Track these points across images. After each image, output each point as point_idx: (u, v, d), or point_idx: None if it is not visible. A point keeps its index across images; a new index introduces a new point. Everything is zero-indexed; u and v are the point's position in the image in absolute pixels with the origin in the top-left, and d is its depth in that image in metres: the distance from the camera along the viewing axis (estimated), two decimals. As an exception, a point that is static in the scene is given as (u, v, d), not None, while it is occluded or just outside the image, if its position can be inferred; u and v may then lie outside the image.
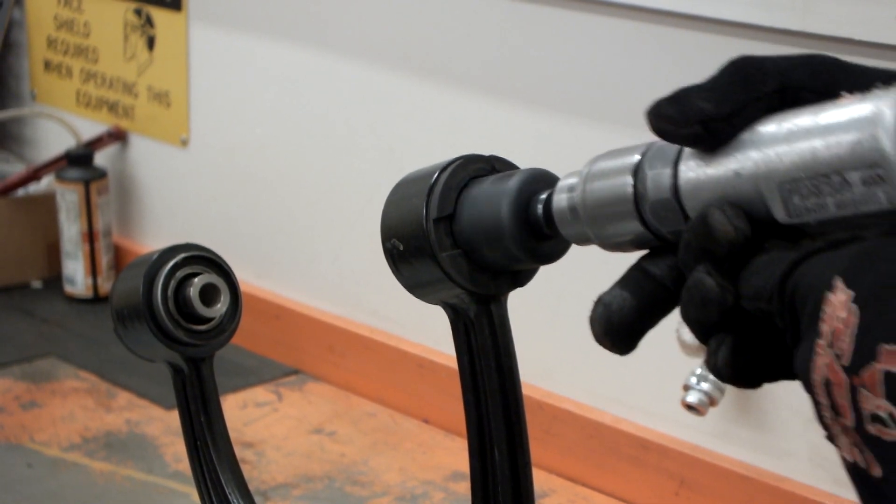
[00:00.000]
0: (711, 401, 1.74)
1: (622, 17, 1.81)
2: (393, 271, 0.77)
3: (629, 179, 0.64)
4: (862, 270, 0.53)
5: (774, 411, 1.77)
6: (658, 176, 0.62)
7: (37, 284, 2.62)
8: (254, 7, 2.31)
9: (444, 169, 0.74)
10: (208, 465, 0.95)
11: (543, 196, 0.70)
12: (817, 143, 0.55)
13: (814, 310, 0.54)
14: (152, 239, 2.57)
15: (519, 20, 1.94)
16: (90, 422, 2.11)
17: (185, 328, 0.93)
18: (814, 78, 0.60)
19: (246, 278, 2.33)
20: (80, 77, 2.66)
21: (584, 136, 1.87)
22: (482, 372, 0.76)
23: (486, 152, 0.77)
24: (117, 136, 2.58)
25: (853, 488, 0.53)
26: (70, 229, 2.53)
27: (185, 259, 0.94)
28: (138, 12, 2.51)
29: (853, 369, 0.51)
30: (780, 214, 0.57)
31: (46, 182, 2.61)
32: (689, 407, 1.74)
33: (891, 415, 0.50)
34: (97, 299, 2.54)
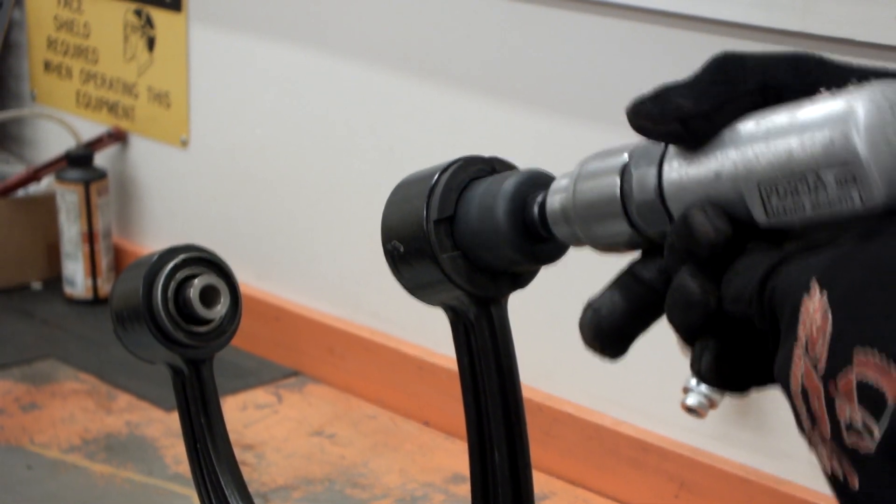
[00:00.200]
0: (711, 403, 1.74)
1: (622, 18, 1.81)
2: (393, 273, 0.77)
3: (616, 180, 0.63)
4: (836, 274, 0.51)
5: (774, 413, 1.77)
6: (643, 176, 0.62)
7: (36, 286, 2.62)
8: (254, 8, 2.31)
9: (444, 170, 0.74)
10: (208, 467, 0.95)
11: (539, 197, 0.70)
12: (793, 142, 0.55)
13: (792, 314, 0.52)
14: (152, 240, 2.57)
15: (519, 20, 1.94)
16: (90, 423, 2.11)
17: (185, 330, 0.93)
18: (796, 76, 0.59)
19: (246, 280, 2.33)
20: (80, 78, 2.66)
21: (583, 137, 1.87)
22: (482, 374, 0.76)
23: (486, 153, 0.77)
24: (117, 137, 2.58)
25: (835, 498, 0.52)
26: (70, 230, 2.53)
27: (185, 260, 0.94)
28: (138, 13, 2.51)
29: (828, 377, 0.50)
30: (759, 215, 0.57)
31: (46, 183, 2.61)
32: (689, 409, 1.74)
33: (866, 425, 0.49)
34: (97, 301, 2.54)
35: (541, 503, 1.89)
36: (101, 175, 2.53)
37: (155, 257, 0.94)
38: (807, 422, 0.52)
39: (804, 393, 0.51)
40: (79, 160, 2.52)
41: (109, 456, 2.01)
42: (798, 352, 0.52)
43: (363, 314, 2.23)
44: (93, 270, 2.54)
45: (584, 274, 1.73)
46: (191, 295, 0.93)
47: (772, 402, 1.77)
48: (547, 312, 1.94)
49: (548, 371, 1.98)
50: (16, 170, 2.69)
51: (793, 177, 0.55)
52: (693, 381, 2.09)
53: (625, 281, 0.63)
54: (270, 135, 2.32)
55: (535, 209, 0.70)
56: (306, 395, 2.23)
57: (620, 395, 1.92)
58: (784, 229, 0.57)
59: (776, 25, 1.64)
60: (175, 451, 2.01)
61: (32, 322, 2.47)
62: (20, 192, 2.61)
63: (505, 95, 1.97)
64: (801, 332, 0.52)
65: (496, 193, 0.71)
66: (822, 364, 0.50)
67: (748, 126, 0.57)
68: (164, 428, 2.09)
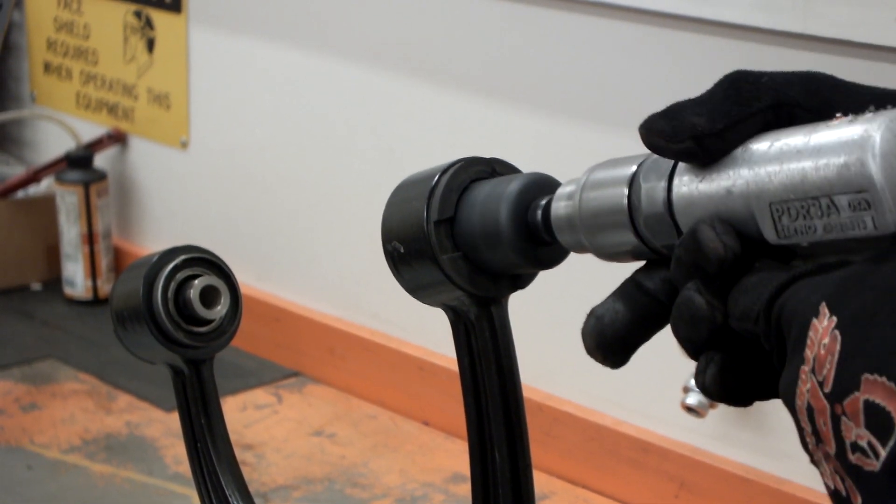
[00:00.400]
0: (711, 403, 1.74)
1: (622, 19, 1.81)
2: (394, 273, 0.77)
3: (624, 191, 0.63)
4: (846, 297, 0.51)
5: (774, 413, 1.77)
6: (652, 189, 0.62)
7: (36, 286, 2.62)
8: (254, 9, 2.31)
9: (444, 171, 0.74)
10: (208, 467, 0.95)
11: (543, 202, 0.70)
12: (807, 165, 0.55)
13: (799, 335, 0.53)
14: (152, 241, 2.57)
15: (519, 21, 1.94)
16: (90, 424, 2.11)
17: (185, 330, 0.93)
18: (809, 96, 0.59)
19: (246, 280, 2.33)
20: (79, 79, 2.66)
21: (583, 138, 1.87)
22: (483, 374, 0.76)
23: (486, 153, 0.77)
24: (117, 138, 2.58)
25: None
26: (70, 231, 2.53)
27: (185, 261, 0.94)
28: (138, 14, 2.51)
29: (835, 397, 0.50)
30: (769, 234, 0.57)
31: (46, 184, 2.61)
32: (689, 409, 1.74)
33: (871, 445, 0.49)
34: (97, 301, 2.54)
35: (541, 503, 1.89)
36: (100, 176, 2.54)
37: (155, 258, 0.94)
38: (811, 438, 0.52)
39: (809, 411, 0.52)
40: (79, 161, 2.52)
41: (109, 456, 2.01)
42: (804, 372, 0.52)
43: (363, 315, 2.23)
44: (93, 271, 2.54)
45: (584, 275, 1.73)
46: (191, 295, 0.93)
47: (772, 402, 1.76)
48: (547, 313, 1.94)
49: (548, 371, 1.98)
50: (16, 171, 2.69)
51: (806, 199, 0.55)
52: (693, 382, 2.09)
53: (628, 290, 0.63)
54: (270, 135, 2.32)
55: (539, 213, 0.70)
56: (306, 396, 2.23)
57: (621, 396, 1.92)
58: (792, 248, 0.57)
59: (777, 27, 1.64)
60: (175, 451, 2.01)
61: (32, 323, 2.47)
62: (20, 194, 2.61)
63: (505, 95, 1.97)
64: (809, 353, 0.52)
65: (500, 196, 0.71)
66: (829, 386, 0.51)
67: (762, 145, 0.57)
68: (164, 428, 2.09)
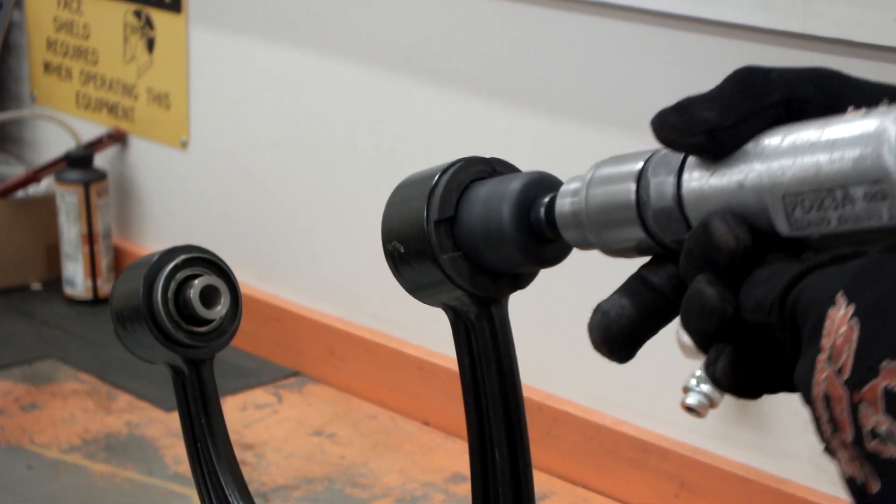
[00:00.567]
0: (711, 403, 1.74)
1: (622, 19, 1.81)
2: (394, 273, 0.77)
3: (632, 186, 0.63)
4: (863, 286, 0.52)
5: (774, 413, 1.77)
6: (661, 184, 0.62)
7: (36, 286, 2.62)
8: (254, 9, 2.31)
9: (444, 171, 0.74)
10: (208, 467, 0.95)
11: (546, 200, 0.70)
12: (821, 158, 0.55)
13: (815, 324, 0.53)
14: (152, 241, 2.57)
15: (519, 21, 1.94)
16: (90, 424, 2.11)
17: (185, 330, 0.93)
18: (819, 91, 0.60)
19: (246, 280, 2.33)
20: (79, 79, 2.66)
21: (583, 138, 1.87)
22: (483, 374, 0.76)
23: (486, 153, 0.77)
24: (117, 138, 2.58)
25: (851, 502, 0.53)
26: (70, 231, 2.53)
27: (185, 261, 0.94)
28: (138, 14, 2.51)
29: (853, 385, 0.51)
30: (782, 227, 0.57)
31: (46, 184, 2.61)
32: (689, 409, 1.74)
33: (890, 431, 0.50)
34: (97, 301, 2.54)
35: (541, 503, 1.89)
36: (100, 176, 2.54)
37: (155, 258, 0.94)
38: (827, 427, 0.53)
39: (826, 399, 0.52)
40: (78, 161, 2.52)
41: (109, 456, 2.01)
42: (821, 361, 0.52)
43: (363, 315, 2.23)
44: (93, 271, 2.54)
45: (584, 274, 1.73)
46: (191, 295, 0.93)
47: (772, 402, 1.77)
48: (547, 312, 1.95)
49: (548, 371, 1.98)
50: (16, 171, 2.70)
51: (820, 191, 0.55)
52: (693, 381, 2.09)
53: (634, 286, 0.64)
54: (270, 135, 2.32)
55: (542, 211, 0.70)
56: (306, 396, 2.23)
57: (621, 396, 1.92)
58: (803, 241, 0.57)
59: (777, 27, 1.64)
60: (175, 451, 2.01)
61: (32, 322, 2.47)
62: (20, 194, 2.62)
63: (505, 95, 1.97)
64: (825, 343, 0.52)
65: (502, 194, 0.71)
66: (847, 374, 0.51)
67: (774, 139, 0.58)
68: (164, 428, 2.09)
